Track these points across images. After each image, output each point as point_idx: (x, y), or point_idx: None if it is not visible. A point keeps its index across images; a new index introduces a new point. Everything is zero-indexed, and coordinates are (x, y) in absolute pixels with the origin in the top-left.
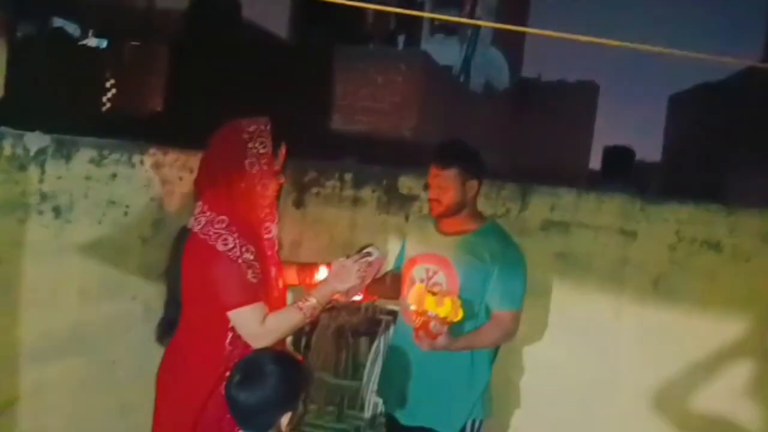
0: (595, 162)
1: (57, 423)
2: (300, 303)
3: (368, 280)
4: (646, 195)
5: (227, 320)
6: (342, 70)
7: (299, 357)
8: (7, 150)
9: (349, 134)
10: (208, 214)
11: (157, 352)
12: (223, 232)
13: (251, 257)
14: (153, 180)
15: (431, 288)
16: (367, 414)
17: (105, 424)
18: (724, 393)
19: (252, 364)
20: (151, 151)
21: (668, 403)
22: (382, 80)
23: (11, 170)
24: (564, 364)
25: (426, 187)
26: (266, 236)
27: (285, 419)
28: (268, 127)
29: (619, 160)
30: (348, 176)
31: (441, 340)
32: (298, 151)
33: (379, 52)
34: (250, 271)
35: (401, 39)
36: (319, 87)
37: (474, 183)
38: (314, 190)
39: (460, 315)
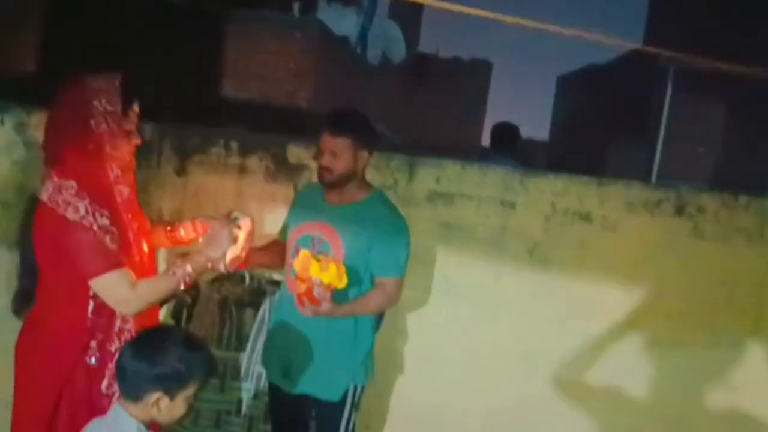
0: (487, 138)
1: None
2: (174, 269)
3: (246, 245)
4: (525, 169)
5: (88, 289)
6: (234, 35)
7: (208, 347)
8: None
9: (240, 101)
10: (55, 180)
11: (17, 325)
12: (72, 199)
13: (107, 222)
14: (16, 143)
15: (316, 255)
16: (250, 385)
17: None
18: (596, 353)
19: (158, 334)
20: (15, 110)
21: (546, 364)
22: (276, 47)
23: None
24: (446, 329)
25: (316, 156)
26: (119, 199)
27: (152, 397)
28: (117, 83)
29: (505, 136)
30: (234, 144)
31: (324, 306)
32: (183, 117)
33: (274, 19)
34: (107, 237)
35: (297, 6)
36: (209, 51)
37: (365, 154)
38: (197, 157)
39: (344, 281)
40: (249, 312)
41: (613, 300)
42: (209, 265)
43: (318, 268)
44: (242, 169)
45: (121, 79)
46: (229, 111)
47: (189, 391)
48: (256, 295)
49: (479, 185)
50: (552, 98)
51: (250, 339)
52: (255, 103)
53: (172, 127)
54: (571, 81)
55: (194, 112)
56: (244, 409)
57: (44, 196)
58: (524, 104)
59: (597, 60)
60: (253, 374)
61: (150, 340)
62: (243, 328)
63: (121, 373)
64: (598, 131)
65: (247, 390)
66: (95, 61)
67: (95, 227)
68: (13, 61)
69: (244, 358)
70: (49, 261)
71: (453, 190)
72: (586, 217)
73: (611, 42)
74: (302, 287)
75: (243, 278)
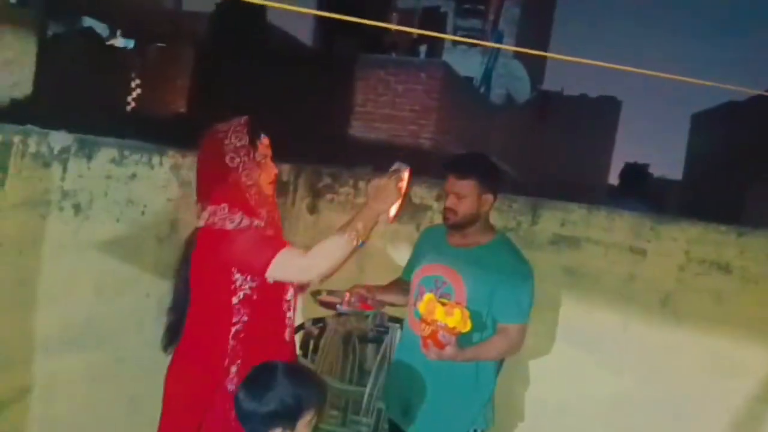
0: (614, 178)
1: (67, 413)
2: (343, 227)
3: (404, 194)
4: (656, 214)
5: (231, 315)
6: (363, 78)
7: (315, 374)
8: (32, 147)
9: (367, 142)
10: (209, 208)
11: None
12: (226, 215)
13: (262, 224)
14: (171, 181)
15: (441, 298)
16: (371, 420)
17: (113, 417)
18: (727, 414)
19: (264, 371)
20: (171, 153)
21: (676, 422)
22: (402, 89)
23: (35, 167)
24: (569, 379)
25: (439, 197)
26: (259, 221)
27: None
28: (243, 122)
29: (634, 177)
30: (362, 184)
31: (449, 350)
32: (315, 157)
33: (401, 61)
34: (268, 231)
35: (423, 49)
36: (340, 94)
37: (489, 197)
38: (328, 196)
39: (468, 326)
40: (371, 348)
41: (756, 359)
42: (377, 219)
43: (443, 312)
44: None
45: (246, 119)
46: (356, 151)
47: (306, 419)
48: (378, 332)
49: (607, 230)
50: (686, 137)
51: (372, 375)
52: (381, 143)
53: (306, 168)
54: (707, 119)
55: (325, 153)
56: None
57: (201, 223)
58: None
59: (736, 96)
60: (373, 410)
61: (257, 380)
62: (365, 363)
63: (239, 414)
64: (736, 173)
65: (367, 425)
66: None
67: (252, 226)
68: (169, 107)
69: (365, 393)
70: (204, 283)
71: (578, 235)
72: (725, 268)
73: (747, 91)
74: (427, 330)
75: (366, 315)
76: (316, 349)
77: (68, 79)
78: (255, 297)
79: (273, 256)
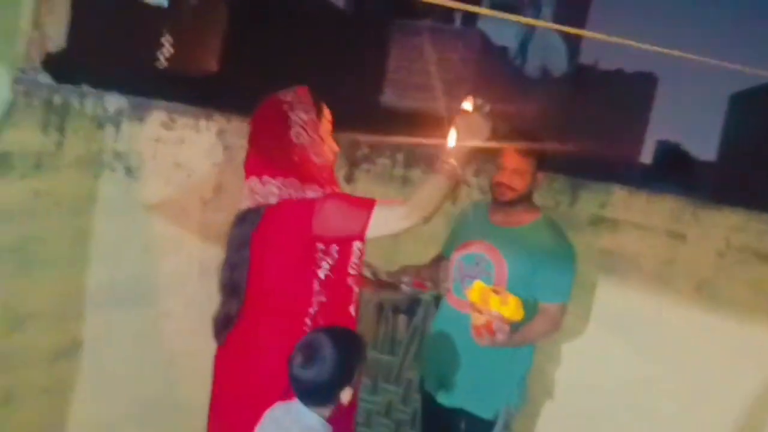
0: (647, 156)
1: (114, 367)
2: (437, 166)
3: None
4: (698, 198)
5: (310, 296)
6: (396, 44)
7: (354, 331)
8: (89, 109)
9: (401, 110)
10: (275, 181)
11: (207, 308)
12: (301, 186)
13: (339, 191)
14: (216, 146)
15: (495, 288)
16: (400, 389)
17: (155, 371)
18: (757, 404)
19: (311, 344)
20: (216, 118)
21: (706, 408)
22: (436, 57)
23: (91, 128)
24: (601, 360)
25: (477, 172)
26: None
27: (345, 394)
28: (306, 92)
29: (671, 158)
30: (399, 156)
31: (501, 338)
32: (350, 124)
33: (436, 29)
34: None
35: (459, 15)
36: (373, 59)
37: (540, 176)
38: (365, 166)
39: (521, 314)
40: (402, 319)
41: None
42: (470, 154)
43: (498, 301)
44: (405, 181)
45: (308, 89)
46: (390, 120)
47: (356, 377)
48: (411, 303)
49: (647, 213)
50: (722, 117)
51: (403, 345)
52: (415, 111)
53: (343, 136)
54: (746, 100)
55: (359, 121)
56: (393, 412)
57: (272, 200)
58: (690, 121)
59: None
60: (403, 379)
61: (306, 353)
62: (396, 333)
63: (296, 388)
64: None
65: (396, 393)
66: (273, 70)
67: (337, 190)
68: (214, 72)
69: (396, 362)
70: (282, 262)
71: (618, 217)
72: (765, 258)
73: None
74: (481, 319)
75: (400, 286)
76: None
77: (101, 34)
78: (333, 276)
79: (371, 212)
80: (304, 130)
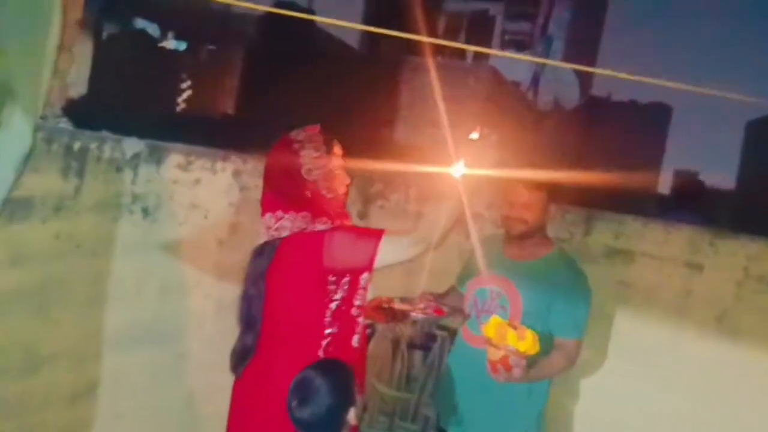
0: (664, 186)
1: (131, 408)
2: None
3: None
4: (715, 228)
5: (323, 328)
6: (409, 81)
7: (336, 359)
8: (107, 153)
9: (414, 146)
10: (287, 216)
11: (225, 347)
12: (312, 220)
13: (350, 224)
14: (232, 186)
15: (512, 323)
16: (417, 427)
17: (173, 411)
18: None
19: (300, 385)
20: (232, 158)
21: None
22: (448, 93)
23: (110, 172)
24: (620, 393)
25: (490, 205)
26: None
27: (351, 415)
28: (317, 131)
29: (689, 188)
30: (412, 191)
31: (517, 373)
32: (364, 160)
33: (448, 65)
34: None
35: (471, 52)
36: (386, 97)
37: (551, 208)
38: (379, 202)
39: (537, 348)
40: (418, 355)
41: None
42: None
43: (515, 337)
44: (419, 216)
45: (319, 127)
46: (403, 156)
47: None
48: (427, 339)
49: (663, 244)
50: (740, 145)
51: (420, 382)
52: (428, 147)
53: (357, 173)
54: (763, 126)
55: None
56: None
57: (284, 233)
58: (706, 151)
59: None
60: (420, 417)
61: (299, 394)
62: (412, 369)
63: (305, 429)
64: None
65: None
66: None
67: (345, 223)
68: (231, 114)
69: (412, 399)
70: (296, 295)
71: (633, 248)
72: None
73: None
74: (497, 354)
75: (415, 321)
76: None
77: (121, 78)
78: (343, 307)
79: (378, 242)
80: (315, 167)
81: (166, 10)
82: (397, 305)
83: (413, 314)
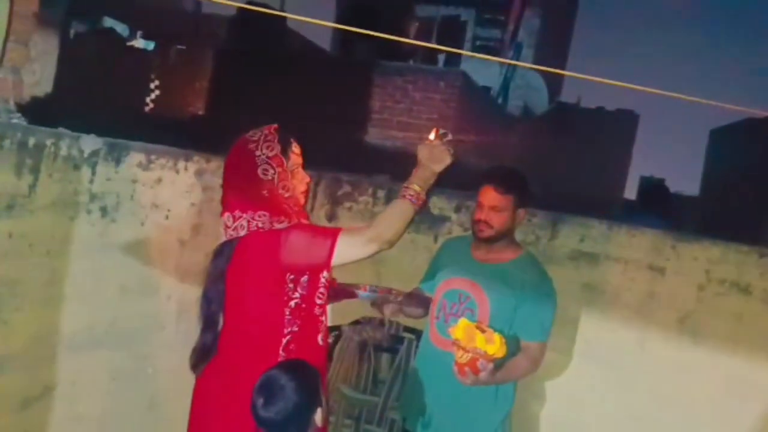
0: (630, 192)
1: (90, 411)
2: (403, 192)
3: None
4: (677, 232)
5: (282, 326)
6: (381, 85)
7: (301, 360)
8: (64, 150)
9: (384, 149)
10: (245, 215)
11: (187, 349)
12: (271, 219)
13: (307, 222)
14: (195, 186)
15: (479, 326)
16: (384, 430)
17: (133, 416)
18: None
19: (266, 383)
20: (195, 158)
21: None
22: (419, 97)
23: (66, 170)
24: (585, 395)
25: (458, 208)
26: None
27: (317, 416)
28: (273, 131)
29: (654, 193)
30: (381, 193)
31: (484, 376)
32: (332, 164)
33: (419, 69)
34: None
35: (442, 57)
36: (357, 100)
37: (521, 212)
38: (347, 204)
39: (505, 351)
40: (386, 358)
41: None
42: (432, 180)
43: (483, 340)
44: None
45: (276, 127)
46: (372, 159)
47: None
48: (393, 342)
49: (627, 247)
50: (703, 152)
51: (386, 385)
52: (398, 150)
53: (326, 175)
54: (726, 135)
55: (342, 159)
56: None
57: (241, 232)
58: (672, 158)
59: (756, 113)
60: (387, 420)
61: (264, 392)
62: (379, 372)
63: (270, 429)
64: (758, 192)
65: None
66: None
67: (303, 221)
68: (188, 109)
69: (378, 403)
70: (254, 293)
71: (598, 251)
72: (745, 289)
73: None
74: (465, 357)
75: (382, 324)
76: (330, 357)
77: (89, 77)
78: (303, 305)
79: (335, 240)
80: (270, 166)
81: (135, 10)
82: (343, 285)
83: (358, 291)
